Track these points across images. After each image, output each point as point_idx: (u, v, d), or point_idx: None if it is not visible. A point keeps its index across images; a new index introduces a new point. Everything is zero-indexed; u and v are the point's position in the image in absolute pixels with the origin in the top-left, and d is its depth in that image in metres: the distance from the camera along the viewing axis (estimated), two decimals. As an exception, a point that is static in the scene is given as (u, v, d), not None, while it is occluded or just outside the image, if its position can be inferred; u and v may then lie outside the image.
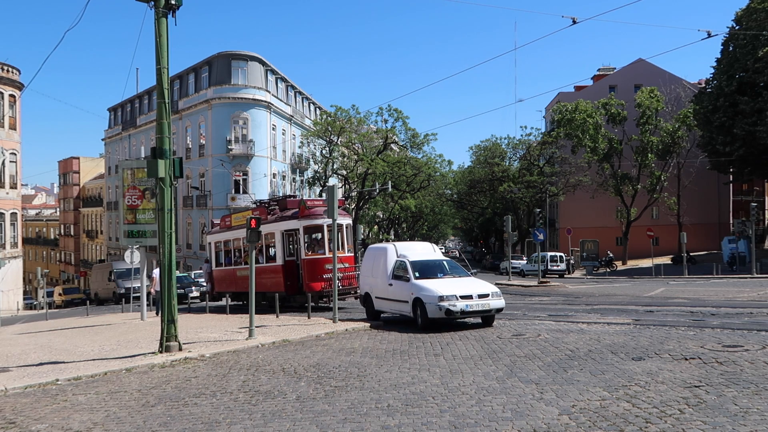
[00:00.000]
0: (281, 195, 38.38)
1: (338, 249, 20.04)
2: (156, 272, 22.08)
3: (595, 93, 58.89)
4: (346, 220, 20.98)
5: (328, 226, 19.35)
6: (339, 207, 21.27)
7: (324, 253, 19.36)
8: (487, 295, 13.16)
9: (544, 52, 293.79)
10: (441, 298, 12.83)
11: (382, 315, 15.83)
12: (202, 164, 49.29)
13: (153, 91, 52.55)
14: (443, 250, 56.41)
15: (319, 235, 20.20)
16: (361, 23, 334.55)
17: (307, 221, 19.75)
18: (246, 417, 6.80)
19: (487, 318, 13.45)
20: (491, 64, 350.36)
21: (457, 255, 59.60)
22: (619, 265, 50.48)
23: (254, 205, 25.04)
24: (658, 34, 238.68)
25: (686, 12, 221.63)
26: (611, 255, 49.97)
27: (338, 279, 19.12)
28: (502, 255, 60.71)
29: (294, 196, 24.41)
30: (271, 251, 21.59)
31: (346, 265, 19.97)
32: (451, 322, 13.41)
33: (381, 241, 51.48)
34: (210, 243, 26.15)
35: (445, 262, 15.24)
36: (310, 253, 19.89)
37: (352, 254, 21.46)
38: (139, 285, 22.47)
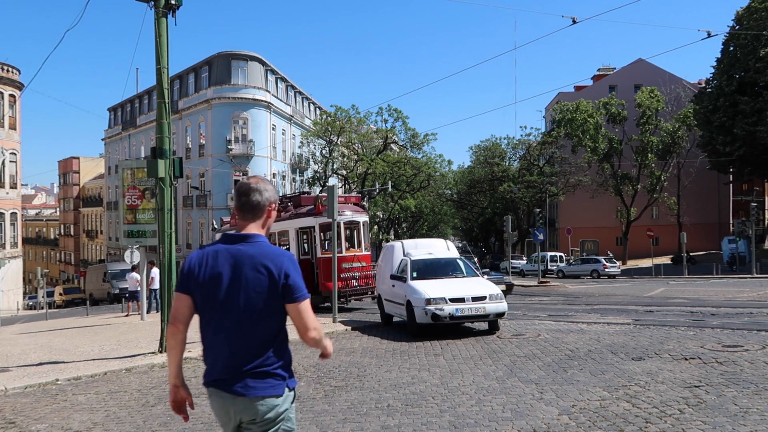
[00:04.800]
0: (280, 195, 38.25)
1: (356, 247, 19.85)
2: (153, 272, 22.08)
3: (595, 93, 58.91)
4: (362, 218, 20.35)
5: (345, 223, 18.94)
6: (355, 204, 21.21)
7: (341, 252, 18.31)
8: (483, 298, 11.83)
9: (544, 52, 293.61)
10: (428, 302, 11.70)
11: (393, 319, 14.52)
12: (202, 164, 49.30)
13: (153, 91, 52.54)
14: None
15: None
16: (361, 23, 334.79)
17: (324, 218, 18.69)
18: (246, 417, 6.80)
19: (490, 323, 12.27)
20: (491, 64, 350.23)
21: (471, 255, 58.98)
22: (619, 265, 50.49)
23: None
24: (658, 34, 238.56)
25: (686, 12, 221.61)
26: (611, 255, 50.00)
27: (356, 278, 18.98)
28: (502, 255, 60.70)
29: (308, 193, 23.71)
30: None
31: (363, 264, 19.34)
32: (456, 327, 12.71)
33: (383, 241, 51.46)
34: None
35: (458, 261, 14.08)
36: (326, 252, 19.14)
37: (369, 252, 20.88)
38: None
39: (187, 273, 2.98)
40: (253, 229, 2.99)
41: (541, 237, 35.86)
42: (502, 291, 19.40)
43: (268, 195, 3.02)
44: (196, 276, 2.93)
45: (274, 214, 3.09)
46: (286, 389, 2.93)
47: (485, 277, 19.21)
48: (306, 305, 2.94)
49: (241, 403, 2.87)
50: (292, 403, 2.99)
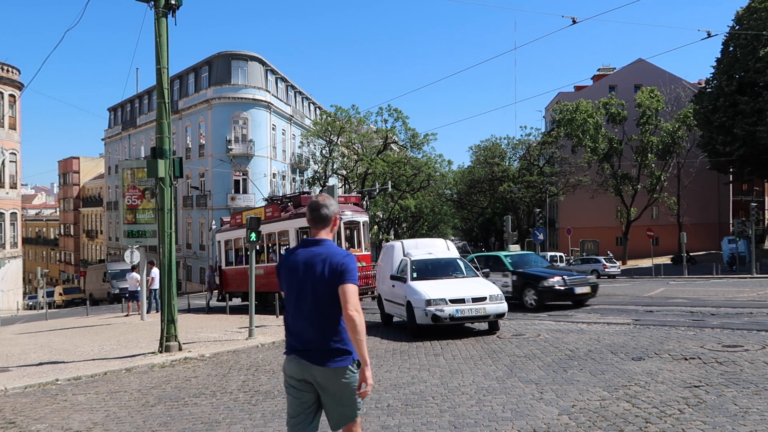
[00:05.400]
0: (280, 195, 38.27)
1: (355, 247, 19.93)
2: (153, 272, 22.10)
3: (595, 93, 58.87)
4: (362, 218, 20.45)
5: (345, 223, 19.06)
6: (355, 204, 21.25)
7: None
8: (483, 299, 11.80)
9: (544, 52, 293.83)
10: (428, 303, 11.71)
11: (393, 319, 14.49)
12: (202, 164, 49.29)
13: (153, 91, 52.55)
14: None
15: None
16: (361, 23, 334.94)
17: None
18: (246, 417, 6.80)
19: (490, 324, 12.24)
20: (491, 64, 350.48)
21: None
22: (619, 265, 50.46)
23: (266, 202, 24.63)
24: (658, 34, 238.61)
25: (686, 12, 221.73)
26: (611, 255, 49.95)
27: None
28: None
29: (309, 193, 23.75)
30: (284, 250, 21.14)
31: (363, 264, 19.28)
32: (456, 327, 12.64)
33: (383, 241, 51.44)
34: (219, 242, 25.29)
35: (458, 261, 14.02)
36: None
37: (369, 252, 20.87)
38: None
39: (278, 275, 3.83)
40: (323, 235, 3.81)
41: (541, 237, 35.89)
42: (587, 293, 18.24)
43: (333, 209, 3.84)
44: (283, 275, 3.77)
45: (339, 222, 3.91)
46: (353, 361, 3.60)
47: (566, 277, 17.46)
48: (352, 287, 3.56)
49: (317, 371, 3.58)
50: (358, 370, 3.63)
